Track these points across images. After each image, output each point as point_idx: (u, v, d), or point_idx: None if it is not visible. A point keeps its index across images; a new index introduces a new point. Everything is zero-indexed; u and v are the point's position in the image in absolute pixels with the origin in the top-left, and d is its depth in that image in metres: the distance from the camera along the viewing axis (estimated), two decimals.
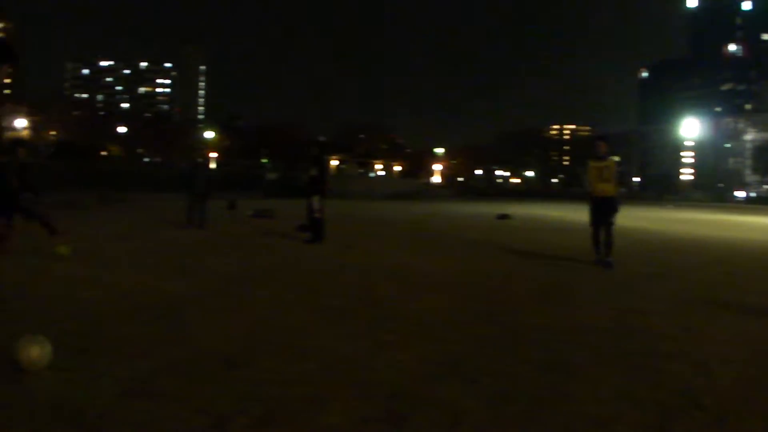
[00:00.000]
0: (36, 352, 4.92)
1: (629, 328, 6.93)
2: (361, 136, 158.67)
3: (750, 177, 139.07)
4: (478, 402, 4.51)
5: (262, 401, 4.38)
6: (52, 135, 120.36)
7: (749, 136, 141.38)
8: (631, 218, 22.66)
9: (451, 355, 5.70)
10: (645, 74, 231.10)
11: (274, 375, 4.97)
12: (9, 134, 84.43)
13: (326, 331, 6.45)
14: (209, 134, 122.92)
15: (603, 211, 12.14)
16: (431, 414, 4.27)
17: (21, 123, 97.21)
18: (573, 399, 4.60)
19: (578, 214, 12.60)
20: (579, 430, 4.09)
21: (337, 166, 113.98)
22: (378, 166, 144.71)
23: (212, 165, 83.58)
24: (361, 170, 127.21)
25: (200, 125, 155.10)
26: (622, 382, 5.03)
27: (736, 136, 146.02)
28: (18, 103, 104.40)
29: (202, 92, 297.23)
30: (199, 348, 5.66)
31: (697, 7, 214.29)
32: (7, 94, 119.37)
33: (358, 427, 4.04)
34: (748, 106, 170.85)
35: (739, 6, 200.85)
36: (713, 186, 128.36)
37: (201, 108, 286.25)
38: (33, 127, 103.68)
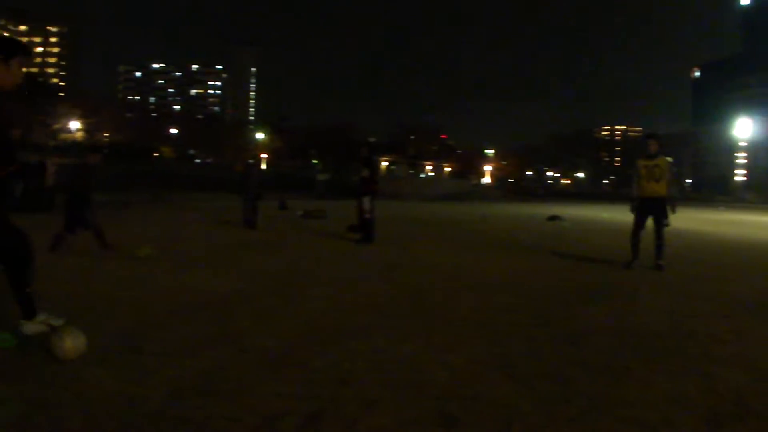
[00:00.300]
0: (69, 342, 5.05)
1: (681, 332, 6.83)
2: (412, 137, 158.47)
3: None
4: (530, 404, 4.51)
5: (311, 401, 4.43)
6: (106, 137, 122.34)
7: None
8: (681, 219, 22.34)
9: (504, 356, 5.69)
10: (698, 74, 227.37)
11: (324, 375, 5.01)
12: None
13: (377, 331, 6.48)
14: (260, 135, 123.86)
15: (653, 212, 11.91)
16: (483, 415, 4.28)
17: (75, 125, 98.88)
18: (624, 402, 4.58)
19: (629, 216, 12.40)
20: None
21: (388, 167, 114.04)
22: (428, 167, 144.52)
23: (263, 166, 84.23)
24: (412, 171, 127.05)
25: (251, 126, 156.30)
26: (673, 386, 4.98)
27: None
28: (72, 105, 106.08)
29: (252, 93, 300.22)
30: (249, 347, 5.73)
31: (750, 4, 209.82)
32: (61, 96, 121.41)
33: (408, 427, 4.06)
34: None
35: None
36: (767, 187, 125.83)
37: (252, 109, 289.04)
38: (87, 129, 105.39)
